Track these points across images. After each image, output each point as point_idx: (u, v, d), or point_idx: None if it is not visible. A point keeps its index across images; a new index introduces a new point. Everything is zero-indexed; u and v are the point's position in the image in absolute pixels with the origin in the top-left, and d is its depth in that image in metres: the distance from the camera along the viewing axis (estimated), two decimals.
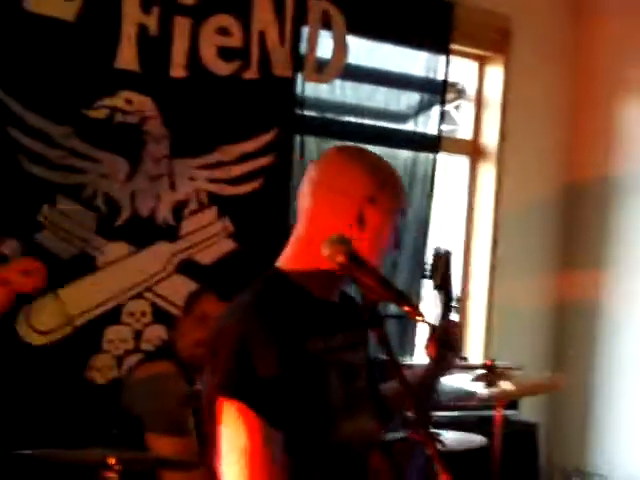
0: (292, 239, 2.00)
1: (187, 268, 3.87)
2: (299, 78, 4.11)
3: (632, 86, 4.93)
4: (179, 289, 3.75)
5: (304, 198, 1.99)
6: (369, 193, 1.94)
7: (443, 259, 2.21)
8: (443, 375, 2.19)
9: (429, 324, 1.83)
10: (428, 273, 2.20)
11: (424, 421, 1.71)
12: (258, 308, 1.87)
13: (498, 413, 3.69)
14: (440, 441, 3.48)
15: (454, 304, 2.20)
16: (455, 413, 4.18)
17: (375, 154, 2.07)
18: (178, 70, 3.80)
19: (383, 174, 2.00)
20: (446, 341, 2.07)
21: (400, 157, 4.48)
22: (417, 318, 1.74)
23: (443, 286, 2.19)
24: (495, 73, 4.90)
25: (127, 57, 3.68)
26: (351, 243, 1.83)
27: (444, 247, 2.26)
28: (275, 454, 1.77)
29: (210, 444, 1.86)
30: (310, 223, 1.96)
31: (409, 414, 1.74)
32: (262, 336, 1.80)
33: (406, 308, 1.75)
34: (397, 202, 2.00)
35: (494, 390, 3.68)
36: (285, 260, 1.99)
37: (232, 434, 1.78)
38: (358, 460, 1.95)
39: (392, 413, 2.17)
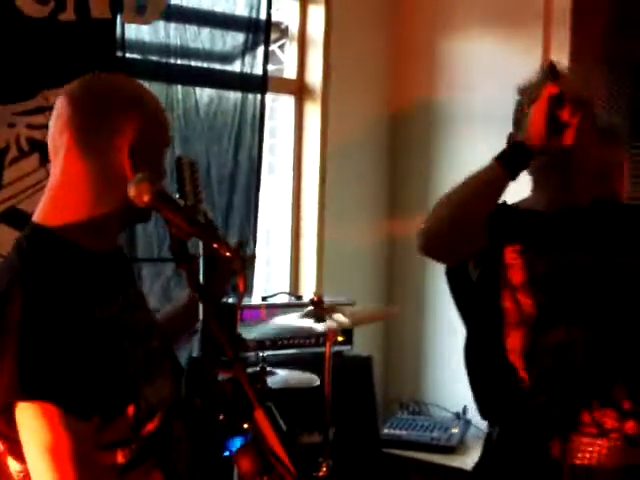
0: (49, 188, 1.87)
1: (11, 217, 3.74)
2: (119, 20, 4.00)
3: (452, 17, 5.02)
4: (4, 239, 3.63)
5: (58, 139, 1.86)
6: (137, 127, 1.87)
7: (188, 167, 2.09)
8: (214, 302, 2.07)
9: (242, 260, 1.80)
10: (176, 188, 2.04)
11: (236, 356, 1.69)
12: (31, 281, 1.73)
13: (328, 348, 3.75)
14: (263, 380, 3.52)
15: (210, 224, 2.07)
16: (289, 351, 4.23)
17: (134, 82, 1.98)
18: None
19: (148, 105, 1.92)
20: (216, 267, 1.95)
21: (229, 98, 4.45)
22: (227, 254, 1.72)
23: (197, 202, 2.05)
24: (317, 11, 4.89)
25: None
26: (157, 181, 1.79)
27: (186, 156, 2.14)
28: (89, 450, 1.70)
29: (11, 451, 1.74)
30: (71, 167, 1.85)
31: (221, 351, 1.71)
32: (45, 316, 1.68)
33: (215, 245, 1.73)
34: (165, 132, 1.94)
35: (323, 325, 3.73)
36: (46, 214, 1.86)
37: (40, 437, 1.67)
38: (163, 426, 1.90)
39: (183, 368, 2.12)
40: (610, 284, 2.38)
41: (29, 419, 1.67)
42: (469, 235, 2.30)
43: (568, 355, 2.36)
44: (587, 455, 2.37)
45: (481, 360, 2.51)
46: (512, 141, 2.28)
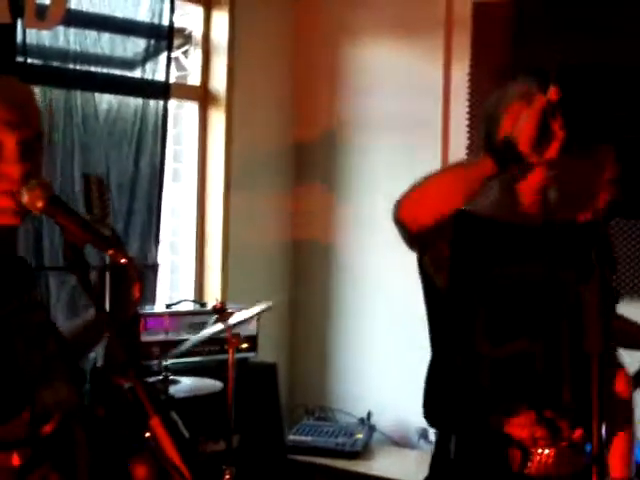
0: None
1: None
2: (19, 25, 3.94)
3: (355, 23, 5.07)
4: None
5: None
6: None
7: (96, 184, 2.07)
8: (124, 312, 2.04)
9: (134, 266, 1.78)
10: (83, 204, 2.02)
11: (131, 363, 1.68)
12: None
13: (231, 354, 3.74)
14: (165, 391, 3.50)
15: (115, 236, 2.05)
16: (193, 359, 4.21)
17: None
18: None
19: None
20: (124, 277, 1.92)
21: (130, 105, 4.41)
22: (121, 261, 1.71)
23: (103, 217, 2.06)
24: (221, 18, 4.89)
25: None
26: (51, 186, 1.78)
27: (93, 173, 2.12)
28: None
29: None
30: None
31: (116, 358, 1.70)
32: None
33: (109, 251, 1.72)
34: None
35: (226, 331, 3.73)
36: None
37: None
38: (61, 431, 1.87)
39: (85, 374, 2.10)
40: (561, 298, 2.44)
41: None
42: (445, 217, 2.30)
43: (528, 365, 2.40)
44: (535, 464, 2.42)
45: (444, 368, 2.52)
46: (505, 140, 2.26)
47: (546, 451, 2.42)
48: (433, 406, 2.56)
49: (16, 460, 1.77)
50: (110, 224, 2.08)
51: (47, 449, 1.84)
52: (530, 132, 2.20)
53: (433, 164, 4.68)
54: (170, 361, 3.74)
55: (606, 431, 2.13)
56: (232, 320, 3.78)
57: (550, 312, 2.45)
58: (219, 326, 3.79)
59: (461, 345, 2.47)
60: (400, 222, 2.35)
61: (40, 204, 1.74)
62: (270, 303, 4.04)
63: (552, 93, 2.22)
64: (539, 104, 2.21)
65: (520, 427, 2.41)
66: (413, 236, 2.38)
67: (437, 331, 2.56)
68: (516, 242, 2.47)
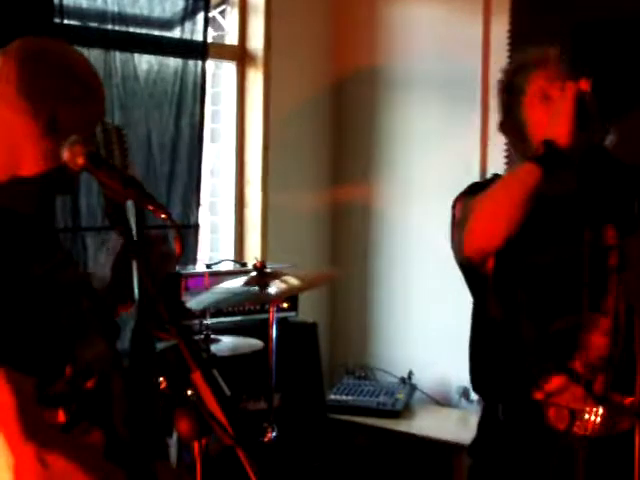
0: None
1: None
2: None
3: None
4: None
5: None
6: (61, 95, 1.85)
7: (115, 135, 2.06)
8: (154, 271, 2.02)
9: (175, 223, 1.78)
10: (103, 153, 1.99)
11: (173, 320, 1.69)
12: None
13: (271, 314, 3.75)
14: (207, 350, 3.52)
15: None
16: (234, 318, 4.23)
17: (60, 45, 1.95)
18: None
19: (70, 71, 1.90)
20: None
21: (169, 65, 4.41)
22: (162, 217, 1.71)
23: (124, 169, 2.02)
24: None
25: None
26: (92, 143, 1.78)
27: (111, 122, 2.10)
28: (31, 403, 1.70)
29: None
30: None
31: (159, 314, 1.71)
32: None
33: (150, 207, 1.72)
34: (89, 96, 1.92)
35: (267, 291, 3.73)
36: None
37: None
38: (101, 385, 1.90)
39: (119, 327, 2.13)
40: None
41: None
42: (508, 235, 2.29)
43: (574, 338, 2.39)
44: (583, 424, 2.42)
45: (491, 344, 2.51)
46: (545, 143, 2.22)
47: (593, 411, 2.42)
48: (480, 379, 2.56)
49: (62, 416, 1.79)
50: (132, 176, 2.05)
51: (89, 403, 1.86)
52: (568, 125, 2.18)
53: (473, 121, 4.66)
54: (211, 320, 3.75)
55: None
56: (272, 285, 3.76)
57: (594, 280, 2.41)
58: (279, 285, 3.76)
59: (506, 329, 2.45)
60: (468, 261, 2.34)
61: (80, 160, 1.74)
62: (336, 272, 4.03)
63: (582, 83, 2.19)
64: (570, 94, 2.18)
65: (560, 394, 2.41)
66: (479, 264, 2.38)
67: (481, 311, 2.54)
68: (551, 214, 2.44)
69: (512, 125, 2.45)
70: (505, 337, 2.48)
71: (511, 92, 2.45)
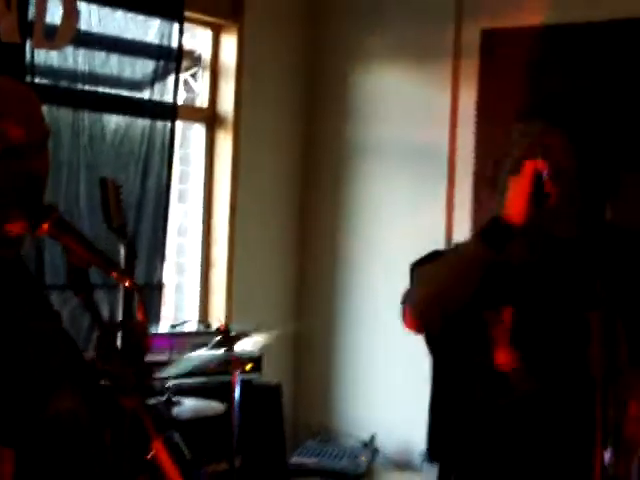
0: None
1: None
2: (28, 45, 3.97)
3: (366, 52, 5.10)
4: None
5: None
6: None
7: (113, 191, 2.04)
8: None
9: (138, 288, 1.79)
10: (101, 211, 1.98)
11: (137, 386, 1.69)
12: None
13: (234, 376, 3.74)
14: (168, 413, 3.50)
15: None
16: (197, 380, 4.21)
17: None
18: None
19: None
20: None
21: (138, 126, 4.43)
22: (125, 283, 1.72)
23: (122, 227, 2.02)
24: (229, 41, 4.92)
25: None
26: (56, 209, 1.78)
27: (109, 178, 2.09)
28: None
29: None
30: None
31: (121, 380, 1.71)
32: None
33: (113, 273, 1.73)
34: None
35: (230, 353, 3.73)
36: None
37: None
38: (73, 440, 1.88)
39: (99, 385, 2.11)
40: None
41: None
42: (457, 309, 2.32)
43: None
44: None
45: (450, 407, 2.51)
46: (491, 218, 2.27)
47: None
48: (437, 442, 2.55)
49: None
50: (128, 234, 2.07)
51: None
52: (520, 203, 2.22)
53: (439, 190, 4.72)
54: (173, 382, 3.74)
55: (613, 457, 2.12)
56: (237, 347, 3.77)
57: (558, 343, 2.43)
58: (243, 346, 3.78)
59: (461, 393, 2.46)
60: (412, 330, 2.36)
61: (45, 226, 1.74)
62: (275, 332, 4.05)
63: (535, 163, 2.24)
64: (526, 175, 2.23)
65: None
66: (431, 336, 2.40)
67: (439, 372, 2.55)
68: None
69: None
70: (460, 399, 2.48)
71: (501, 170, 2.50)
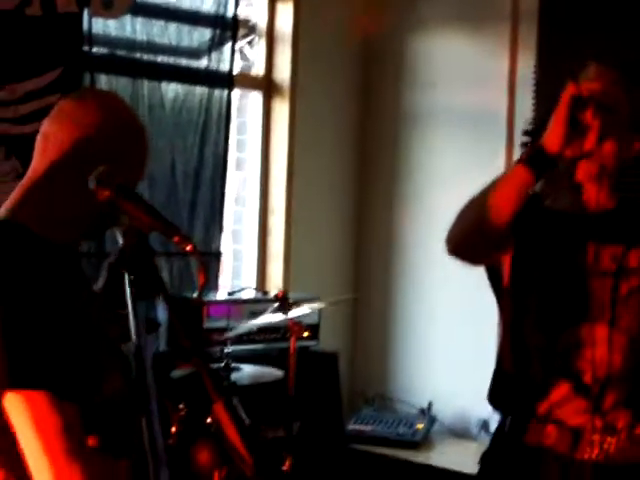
0: (24, 183, 1.92)
1: None
2: (86, 14, 4.00)
3: (423, 17, 5.04)
4: None
5: (49, 136, 1.93)
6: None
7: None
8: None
9: (200, 254, 1.81)
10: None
11: (195, 348, 1.71)
12: (11, 269, 1.75)
13: (292, 342, 3.76)
14: (227, 379, 3.53)
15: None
16: (255, 347, 4.24)
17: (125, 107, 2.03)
18: None
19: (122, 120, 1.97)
20: None
21: (195, 94, 4.46)
22: (187, 249, 1.73)
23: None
24: (285, 8, 4.90)
25: None
26: (117, 175, 1.80)
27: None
28: (78, 432, 1.71)
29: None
30: (51, 163, 1.91)
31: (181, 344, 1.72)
32: (28, 303, 1.71)
33: (175, 239, 1.73)
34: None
35: (287, 320, 3.75)
36: (16, 208, 1.89)
37: (31, 422, 1.69)
38: (121, 418, 1.90)
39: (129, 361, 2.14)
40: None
41: (19, 406, 1.69)
42: (497, 237, 2.32)
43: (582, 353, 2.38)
44: (596, 451, 2.39)
45: (513, 350, 2.50)
46: (533, 145, 2.26)
47: (600, 435, 2.38)
48: (493, 389, 2.56)
49: (92, 442, 1.80)
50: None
51: (113, 435, 1.87)
52: (558, 128, 2.19)
53: (498, 157, 4.67)
54: (232, 348, 3.77)
55: None
56: (294, 314, 3.79)
57: (609, 296, 2.41)
58: (280, 315, 3.81)
59: (514, 338, 2.45)
60: (455, 257, 2.37)
61: (107, 192, 1.76)
62: (332, 300, 4.07)
63: (570, 88, 2.21)
64: (563, 99, 2.19)
65: (563, 406, 2.38)
66: (473, 262, 2.40)
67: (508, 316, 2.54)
68: (576, 230, 2.44)
69: None
70: (513, 344, 2.47)
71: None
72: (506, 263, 2.45)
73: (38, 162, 1.94)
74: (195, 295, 3.82)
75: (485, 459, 2.58)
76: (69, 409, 1.70)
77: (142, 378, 1.65)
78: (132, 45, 4.23)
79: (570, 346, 2.38)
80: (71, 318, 1.77)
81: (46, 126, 1.96)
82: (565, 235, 2.42)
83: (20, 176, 3.73)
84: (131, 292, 1.68)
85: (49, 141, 1.93)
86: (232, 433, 1.66)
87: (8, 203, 1.90)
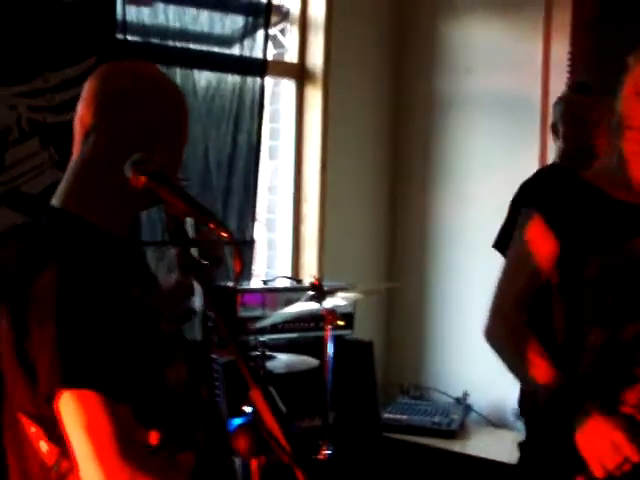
0: (70, 172, 1.89)
1: (12, 199, 3.73)
2: (119, 2, 3.99)
3: (455, 3, 5.01)
4: (5, 221, 3.63)
5: (85, 120, 1.91)
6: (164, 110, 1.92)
7: None
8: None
9: (235, 242, 1.79)
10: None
11: (232, 337, 1.69)
12: (67, 263, 1.73)
13: (326, 331, 3.74)
14: (262, 367, 3.52)
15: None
16: (290, 335, 4.23)
17: (153, 69, 2.03)
18: None
19: (169, 92, 1.99)
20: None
21: (228, 82, 4.44)
22: (222, 235, 1.71)
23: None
24: None
25: None
26: (154, 161, 1.79)
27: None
28: (129, 432, 1.69)
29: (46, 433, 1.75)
30: (96, 149, 1.88)
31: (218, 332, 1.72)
32: (85, 302, 1.69)
33: (211, 225, 1.72)
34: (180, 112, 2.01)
35: (323, 308, 3.73)
36: (68, 197, 1.87)
37: (82, 422, 1.67)
38: (182, 406, 1.90)
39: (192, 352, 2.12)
40: None
41: (71, 406, 1.68)
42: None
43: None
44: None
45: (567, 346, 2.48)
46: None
47: None
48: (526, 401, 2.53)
49: (154, 439, 1.79)
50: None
51: (177, 425, 1.86)
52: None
53: (531, 142, 4.63)
54: (267, 337, 3.75)
55: None
56: (328, 303, 3.77)
57: None
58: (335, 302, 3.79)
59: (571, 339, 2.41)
60: None
61: (144, 178, 1.75)
62: (367, 289, 4.04)
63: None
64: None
65: None
66: None
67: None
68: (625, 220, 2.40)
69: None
70: (569, 348, 2.43)
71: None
72: (550, 260, 2.40)
73: (77, 150, 1.92)
74: (230, 283, 3.80)
75: (525, 448, 2.55)
76: (122, 411, 1.68)
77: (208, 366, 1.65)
78: (165, 33, 4.22)
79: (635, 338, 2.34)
80: (128, 314, 1.75)
81: (78, 110, 1.94)
82: (619, 226, 2.38)
83: (56, 165, 3.80)
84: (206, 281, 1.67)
85: (83, 125, 1.91)
86: (270, 421, 1.65)
87: (60, 192, 1.88)
